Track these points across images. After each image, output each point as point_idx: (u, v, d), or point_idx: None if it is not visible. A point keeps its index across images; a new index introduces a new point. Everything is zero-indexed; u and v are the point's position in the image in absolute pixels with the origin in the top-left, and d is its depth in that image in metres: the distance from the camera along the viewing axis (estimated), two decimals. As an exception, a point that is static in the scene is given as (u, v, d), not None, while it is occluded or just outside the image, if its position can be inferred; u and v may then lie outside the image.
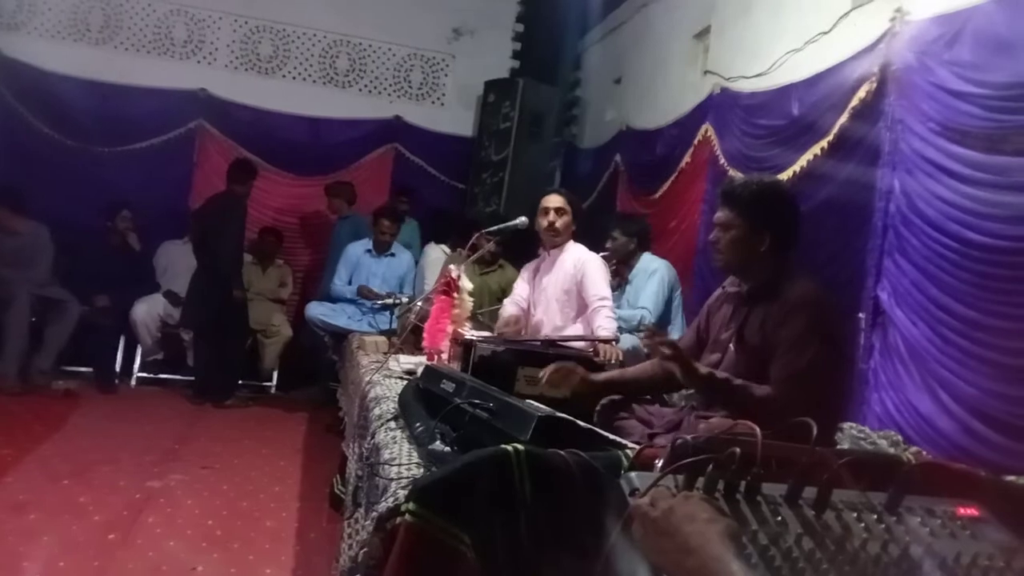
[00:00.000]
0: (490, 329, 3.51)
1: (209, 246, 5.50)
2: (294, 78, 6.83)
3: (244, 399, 5.57)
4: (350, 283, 5.54)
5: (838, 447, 2.26)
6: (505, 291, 4.68)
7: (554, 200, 3.48)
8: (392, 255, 5.65)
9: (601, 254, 3.67)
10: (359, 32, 6.91)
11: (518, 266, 4.14)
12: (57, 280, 5.56)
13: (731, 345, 2.17)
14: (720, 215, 2.20)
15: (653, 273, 4.26)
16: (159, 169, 6.32)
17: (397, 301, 4.57)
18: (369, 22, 6.89)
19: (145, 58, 6.45)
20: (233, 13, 6.65)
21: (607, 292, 3.36)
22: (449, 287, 3.10)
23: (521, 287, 3.67)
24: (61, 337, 5.35)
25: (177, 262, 5.96)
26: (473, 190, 6.78)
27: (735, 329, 2.17)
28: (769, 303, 2.09)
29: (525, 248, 3.87)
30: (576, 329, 3.38)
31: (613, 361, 2.67)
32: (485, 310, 3.95)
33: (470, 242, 3.81)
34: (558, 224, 3.42)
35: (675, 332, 4.27)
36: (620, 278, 4.31)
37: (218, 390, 5.50)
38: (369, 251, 5.62)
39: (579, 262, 3.40)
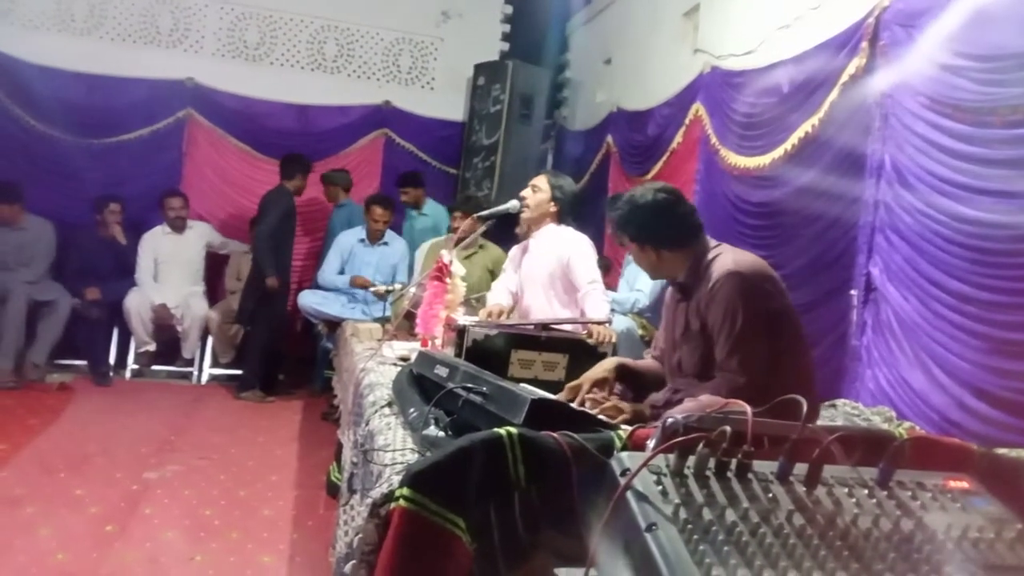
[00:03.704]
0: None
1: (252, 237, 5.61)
2: (282, 65, 6.78)
3: (260, 396, 5.47)
4: (342, 272, 5.53)
5: (830, 424, 2.27)
6: (494, 271, 4.68)
7: (535, 179, 3.49)
8: (385, 244, 5.62)
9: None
10: (347, 17, 6.85)
11: (504, 248, 4.12)
12: (50, 275, 5.55)
13: (680, 340, 2.21)
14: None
15: None
16: (148, 160, 6.29)
17: (390, 289, 4.56)
18: (357, 7, 6.84)
19: (131, 48, 6.39)
20: (219, 0, 6.58)
21: (596, 275, 3.34)
22: (441, 273, 3.09)
23: (509, 271, 3.67)
24: (54, 331, 5.36)
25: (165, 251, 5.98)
26: (465, 175, 6.75)
27: (681, 325, 2.21)
28: (698, 290, 2.13)
29: (511, 233, 3.84)
30: (566, 314, 3.37)
31: (606, 343, 2.66)
32: (478, 295, 3.94)
33: (460, 227, 3.79)
34: (528, 200, 3.41)
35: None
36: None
37: (241, 380, 5.55)
38: (362, 240, 5.59)
39: (564, 245, 3.38)
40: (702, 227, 2.22)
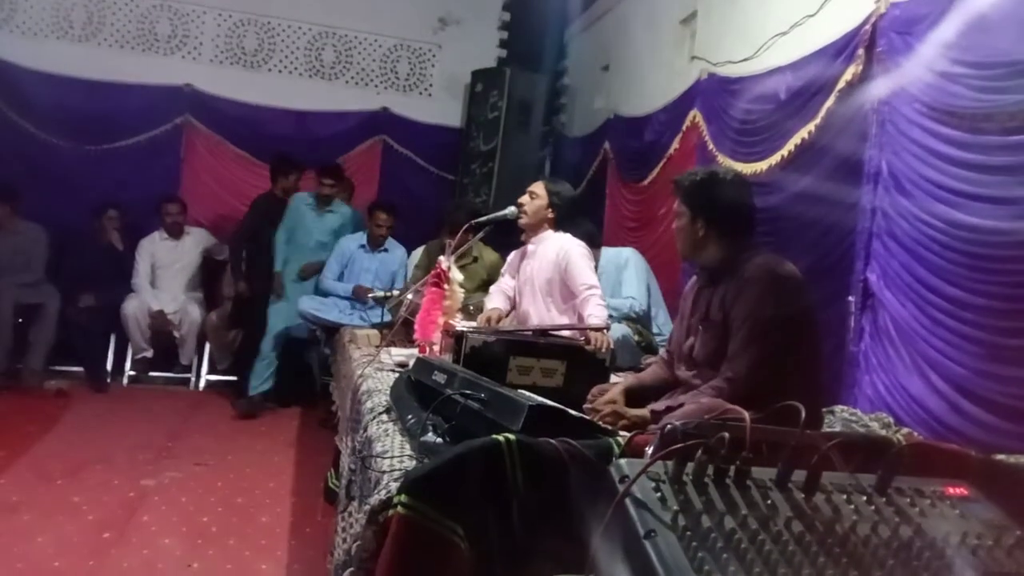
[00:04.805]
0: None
1: None
2: (280, 71, 6.79)
3: (257, 402, 5.37)
4: (341, 278, 5.52)
5: (829, 430, 2.27)
6: (491, 276, 4.67)
7: (532, 185, 3.50)
8: (385, 251, 5.62)
9: None
10: (344, 23, 6.87)
11: (503, 254, 4.12)
12: (44, 279, 5.54)
13: (699, 327, 2.24)
14: (675, 205, 2.31)
15: (625, 263, 4.24)
16: (146, 166, 6.28)
17: (388, 295, 4.55)
18: (354, 13, 6.85)
19: (129, 54, 6.40)
20: (217, 7, 6.59)
21: (594, 280, 3.34)
22: (440, 279, 3.09)
23: (507, 277, 3.67)
24: (45, 336, 5.35)
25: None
26: (463, 181, 6.75)
27: (702, 311, 2.24)
28: (728, 281, 2.16)
29: (510, 239, 3.85)
30: (564, 319, 3.37)
31: (604, 350, 2.66)
32: (476, 301, 3.94)
33: (459, 233, 3.78)
34: (526, 207, 3.42)
35: (661, 319, 4.27)
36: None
37: (238, 386, 5.56)
38: (363, 246, 5.59)
39: (561, 251, 3.38)
40: (754, 230, 2.26)
